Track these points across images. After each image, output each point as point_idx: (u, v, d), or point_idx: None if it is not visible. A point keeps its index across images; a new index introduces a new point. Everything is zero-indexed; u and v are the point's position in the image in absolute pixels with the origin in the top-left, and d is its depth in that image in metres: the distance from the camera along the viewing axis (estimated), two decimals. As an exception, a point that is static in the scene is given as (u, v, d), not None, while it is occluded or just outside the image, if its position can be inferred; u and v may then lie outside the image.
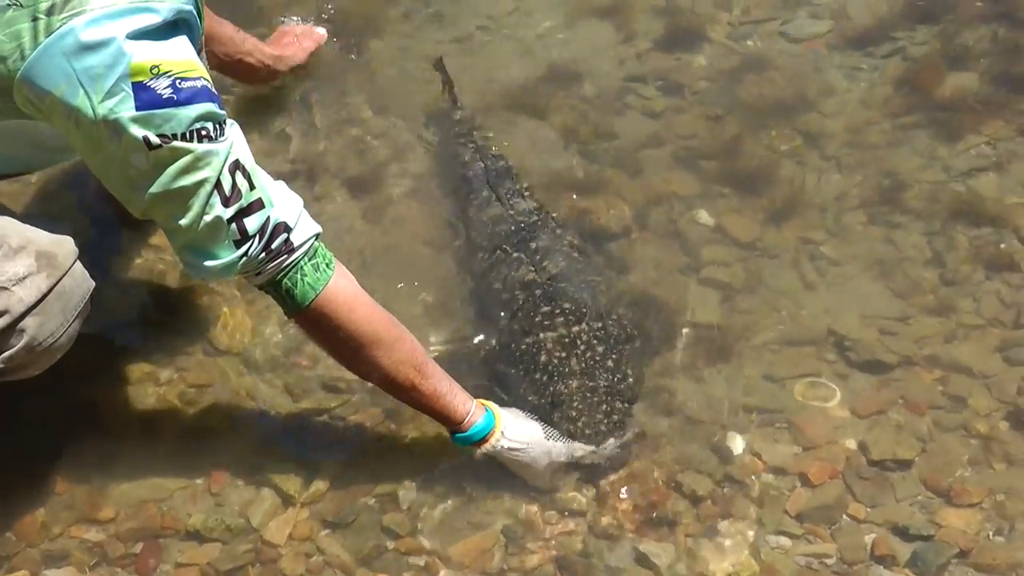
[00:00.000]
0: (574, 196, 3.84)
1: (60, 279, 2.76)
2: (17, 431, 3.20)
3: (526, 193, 3.75)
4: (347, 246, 3.49)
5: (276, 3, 4.39)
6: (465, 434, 2.98)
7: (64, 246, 2.79)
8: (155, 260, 3.66)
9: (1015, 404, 3.22)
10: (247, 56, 3.82)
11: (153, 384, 3.37)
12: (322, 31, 4.18)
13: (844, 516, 3.03)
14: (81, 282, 2.83)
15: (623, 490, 3.10)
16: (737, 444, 3.18)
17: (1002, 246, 3.64)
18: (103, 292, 2.91)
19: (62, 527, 3.07)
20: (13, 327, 2.70)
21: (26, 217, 2.84)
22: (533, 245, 3.54)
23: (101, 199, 3.40)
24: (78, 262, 2.81)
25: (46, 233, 2.79)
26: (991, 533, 2.96)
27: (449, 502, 3.08)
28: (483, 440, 3.00)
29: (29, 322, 2.72)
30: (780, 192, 3.85)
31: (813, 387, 3.31)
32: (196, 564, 3.00)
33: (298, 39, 4.10)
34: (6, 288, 2.68)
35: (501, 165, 3.85)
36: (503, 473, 3.07)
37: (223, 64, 3.76)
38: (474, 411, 2.98)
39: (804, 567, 2.93)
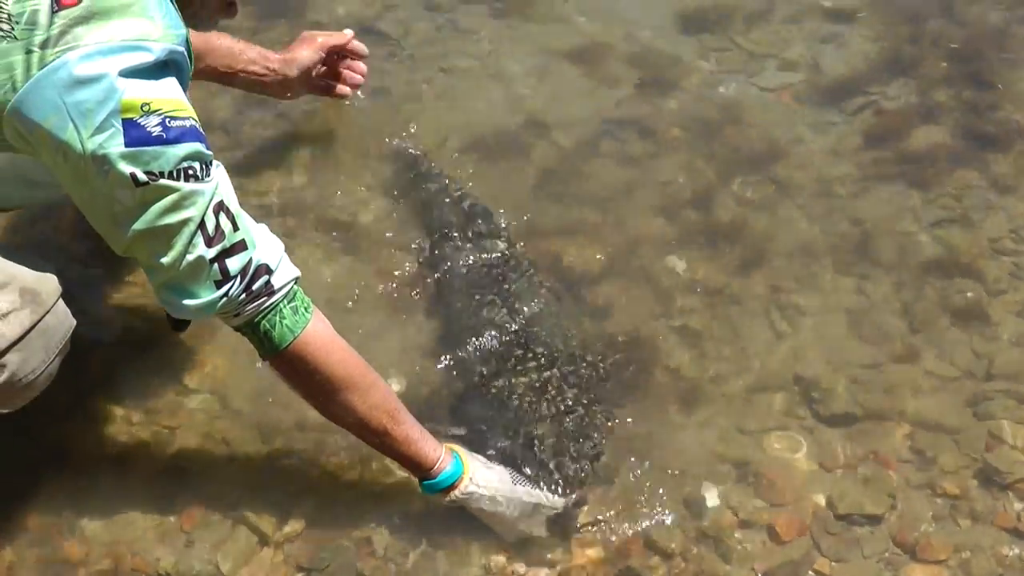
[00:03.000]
0: (548, 240, 3.88)
1: (43, 316, 2.77)
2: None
3: (502, 234, 3.80)
4: (322, 290, 3.49)
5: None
6: (434, 480, 2.99)
7: (47, 283, 2.81)
8: (129, 298, 3.66)
9: (984, 460, 3.27)
10: (251, 65, 3.76)
11: (126, 424, 3.36)
12: (348, 32, 3.95)
13: (810, 572, 3.06)
14: (63, 320, 2.85)
15: (594, 543, 3.11)
16: (710, 496, 3.21)
17: (969, 295, 3.72)
18: (75, 330, 2.92)
19: (32, 562, 3.07)
20: (-4, 363, 2.73)
21: (9, 253, 2.85)
22: (507, 287, 3.59)
23: (76, 235, 3.42)
24: (61, 300, 2.83)
25: (30, 270, 2.81)
26: (957, 591, 3.03)
27: (422, 549, 3.10)
28: (452, 487, 3.01)
29: (11, 358, 2.73)
30: (751, 241, 3.91)
31: (782, 439, 3.35)
32: (169, 606, 3.02)
33: (314, 39, 3.92)
34: None
35: (475, 205, 3.90)
36: (473, 520, 3.07)
37: (226, 77, 3.75)
38: (443, 457, 3.00)
39: (771, 622, 2.97)
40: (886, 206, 4.03)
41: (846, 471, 3.28)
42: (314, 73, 3.92)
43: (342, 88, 3.93)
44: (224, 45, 3.68)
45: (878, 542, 3.12)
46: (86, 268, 3.57)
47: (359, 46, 3.87)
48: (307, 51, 3.83)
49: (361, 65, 3.92)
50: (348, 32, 3.93)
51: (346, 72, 3.90)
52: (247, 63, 3.77)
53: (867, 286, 3.78)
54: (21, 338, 2.74)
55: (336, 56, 3.89)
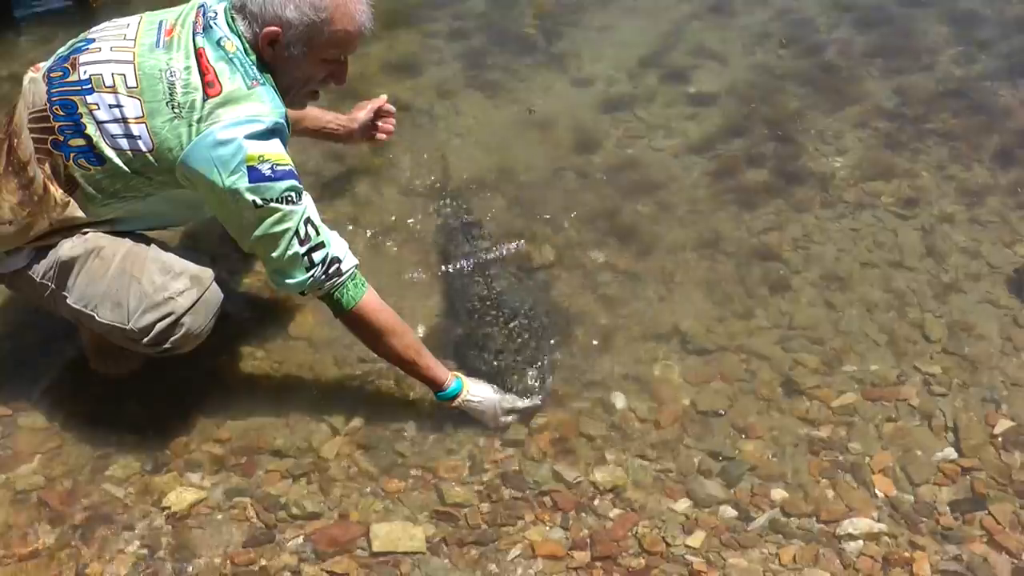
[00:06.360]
0: (514, 241, 3.94)
1: (204, 293, 2.92)
2: (170, 386, 3.30)
3: (487, 238, 3.87)
4: (375, 272, 3.46)
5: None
6: (444, 392, 3.11)
7: (206, 272, 2.95)
8: (254, 281, 3.75)
9: (788, 376, 3.40)
10: (329, 124, 3.78)
11: (252, 358, 3.45)
12: (384, 96, 3.93)
13: (680, 446, 3.16)
14: (217, 294, 2.99)
15: (544, 430, 3.21)
16: (619, 401, 3.30)
17: (780, 273, 3.84)
18: (223, 301, 3.05)
19: (196, 444, 3.15)
20: (176, 322, 2.87)
21: (182, 252, 2.99)
22: (488, 272, 3.66)
23: (222, 242, 3.49)
24: (214, 282, 2.97)
25: (195, 264, 2.94)
26: (770, 455, 3.13)
27: (436, 435, 3.18)
28: (455, 396, 3.13)
29: (186, 319, 2.89)
30: (645, 240, 4.00)
31: (664, 365, 3.44)
32: (278, 470, 3.08)
33: (365, 105, 3.87)
34: (173, 298, 2.85)
35: (470, 219, 3.99)
36: (469, 417, 3.18)
37: (314, 132, 3.76)
38: (450, 378, 3.12)
39: (655, 478, 3.07)
40: (729, 218, 4.14)
41: (703, 384, 3.39)
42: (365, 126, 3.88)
43: (380, 136, 3.90)
44: (312, 113, 3.71)
45: (723, 426, 3.24)
46: (227, 261, 3.64)
47: (390, 107, 3.87)
48: (363, 113, 3.83)
49: (392, 121, 3.91)
50: (384, 96, 3.92)
51: (382, 125, 3.88)
52: (327, 122, 3.80)
53: (717, 267, 3.88)
54: (192, 307, 2.90)
55: (376, 115, 3.86)
